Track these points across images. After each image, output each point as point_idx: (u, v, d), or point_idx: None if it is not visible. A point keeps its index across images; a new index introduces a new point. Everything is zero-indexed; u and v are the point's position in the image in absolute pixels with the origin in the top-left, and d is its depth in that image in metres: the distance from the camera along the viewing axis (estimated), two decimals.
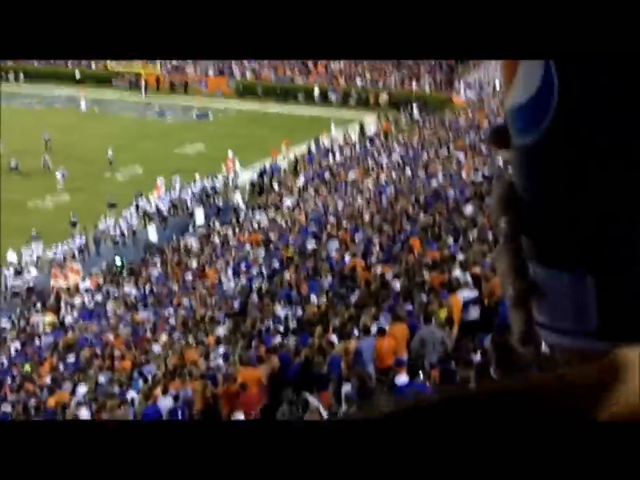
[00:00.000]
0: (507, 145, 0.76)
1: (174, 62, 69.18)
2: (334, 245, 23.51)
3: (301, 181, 38.67)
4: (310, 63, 66.06)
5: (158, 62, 66.11)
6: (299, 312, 18.06)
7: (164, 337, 20.84)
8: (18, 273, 32.63)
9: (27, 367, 21.84)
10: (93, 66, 71.06)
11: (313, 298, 18.51)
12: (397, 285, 16.29)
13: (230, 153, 44.24)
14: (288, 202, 34.21)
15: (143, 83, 66.25)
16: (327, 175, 38.29)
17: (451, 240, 18.77)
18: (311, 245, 24.58)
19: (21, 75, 70.52)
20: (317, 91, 62.40)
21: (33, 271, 33.25)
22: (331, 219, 27.93)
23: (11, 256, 33.42)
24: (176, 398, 14.40)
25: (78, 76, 69.01)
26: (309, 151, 44.91)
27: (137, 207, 38.57)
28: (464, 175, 28.09)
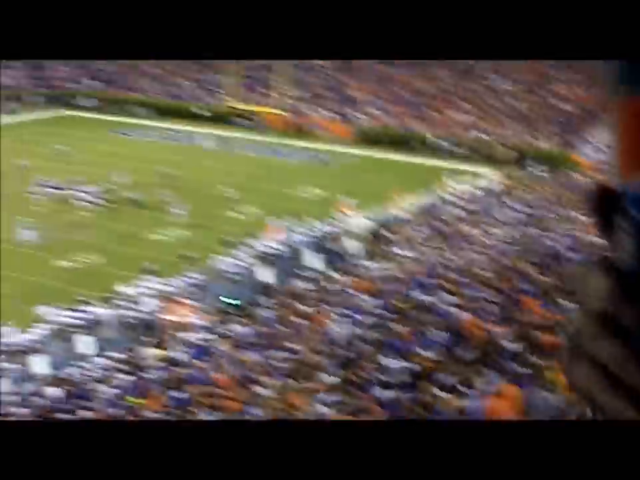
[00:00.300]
0: (608, 216, 0.75)
1: (298, 105, 70.00)
2: (446, 299, 23.24)
3: (416, 231, 38.45)
4: (432, 112, 66.03)
5: (282, 103, 66.89)
6: (407, 365, 17.86)
7: (271, 380, 20.84)
8: (130, 305, 33.14)
9: (135, 400, 22.08)
10: (218, 104, 72.41)
11: (422, 351, 18.30)
12: (510, 345, 15.98)
13: (346, 199, 44.36)
14: (402, 252, 34.03)
15: (266, 123, 67.16)
16: (442, 227, 38.01)
17: (567, 302, 18.37)
18: (422, 297, 24.35)
19: (148, 109, 72.38)
20: (437, 141, 62.29)
21: (146, 304, 33.72)
22: (445, 272, 27.63)
23: (125, 288, 33.99)
24: None
25: (202, 113, 70.40)
26: (426, 201, 44.69)
27: (252, 247, 38.85)
28: (584, 236, 27.55)
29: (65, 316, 31.81)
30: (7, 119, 69.16)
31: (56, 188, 47.84)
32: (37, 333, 30.67)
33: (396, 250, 35.25)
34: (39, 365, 29.27)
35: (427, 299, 24.13)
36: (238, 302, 32.56)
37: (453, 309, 22.07)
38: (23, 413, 23.98)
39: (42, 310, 32.19)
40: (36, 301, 32.76)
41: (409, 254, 33.62)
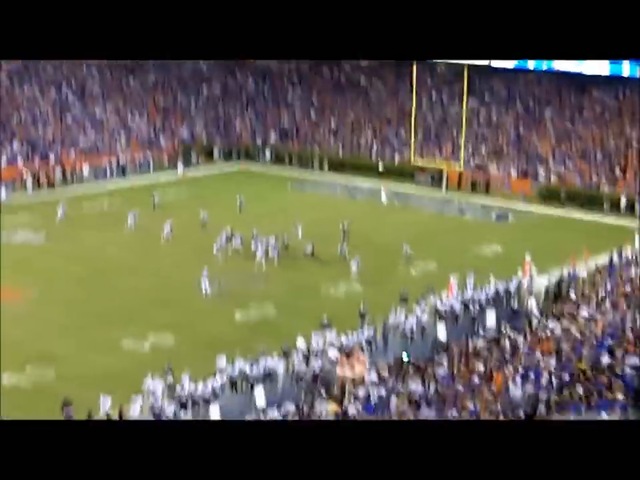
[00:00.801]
0: None
1: (477, 160, 69.42)
2: (631, 362, 22.23)
3: (600, 292, 37.15)
4: (617, 171, 64.17)
5: (461, 159, 66.48)
6: None
7: None
8: (306, 358, 33.19)
9: None
10: (397, 159, 72.61)
11: (604, 415, 17.49)
12: None
13: (527, 257, 43.42)
14: (584, 312, 32.90)
15: (444, 179, 66.85)
16: (627, 288, 36.61)
17: None
18: (605, 359, 23.39)
19: (325, 164, 73.23)
20: (623, 201, 60.41)
21: (321, 358, 33.72)
22: (629, 334, 26.52)
23: (300, 341, 34.09)
24: None
25: (381, 168, 70.69)
26: (611, 262, 43.18)
27: (430, 303, 38.41)
28: None
29: (241, 367, 32.14)
30: (189, 172, 71.37)
31: (235, 239, 48.66)
32: (214, 382, 31.07)
33: (577, 310, 34.10)
34: (215, 413, 29.59)
35: (607, 360, 23.15)
36: (409, 358, 32.13)
37: (633, 372, 21.07)
38: None
39: (220, 360, 32.64)
40: (214, 351, 33.25)
41: (591, 314, 32.44)
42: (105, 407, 29.45)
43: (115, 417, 28.79)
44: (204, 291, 41.61)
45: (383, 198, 62.99)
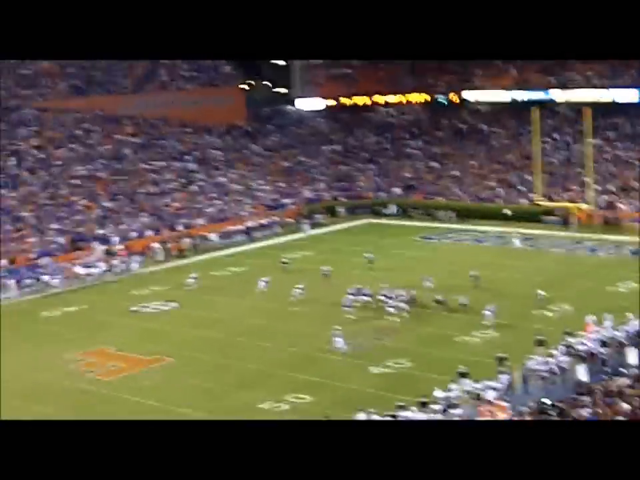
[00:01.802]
0: None
1: (606, 197, 68.08)
2: None
3: None
4: None
5: (589, 198, 65.27)
6: None
7: None
8: (446, 408, 32.81)
9: None
10: (523, 203, 71.80)
11: None
12: None
13: None
14: None
15: (573, 219, 65.69)
16: None
17: None
18: None
19: (452, 213, 72.85)
20: None
21: (460, 407, 33.28)
22: None
23: (438, 392, 33.72)
24: None
25: (508, 213, 69.92)
26: None
27: (568, 345, 37.57)
28: None
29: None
30: (314, 231, 72.02)
31: (365, 295, 48.63)
32: None
33: None
34: None
35: None
36: (552, 402, 31.34)
37: None
38: None
39: (359, 417, 32.48)
40: (352, 407, 33.13)
41: None
42: None
43: None
44: (337, 348, 41.51)
45: (513, 243, 62.20)
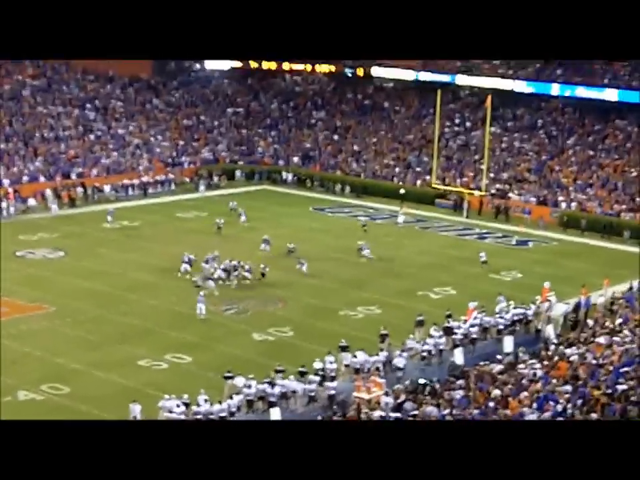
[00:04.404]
0: None
1: (499, 186, 69.38)
2: None
3: (617, 319, 37.02)
4: (638, 199, 63.98)
5: (482, 185, 66.46)
6: None
7: None
8: (323, 379, 33.27)
9: None
10: (418, 184, 72.69)
11: None
12: None
13: (547, 284, 43.32)
14: (602, 340, 32.79)
15: (466, 205, 66.78)
16: None
17: None
18: (621, 386, 23.32)
19: (347, 188, 73.30)
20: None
21: (336, 381, 33.79)
22: None
23: (317, 363, 34.17)
24: None
25: (402, 192, 70.59)
26: (631, 289, 43.01)
27: (446, 327, 38.38)
28: None
29: (259, 387, 32.21)
30: (211, 193, 71.67)
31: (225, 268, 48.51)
32: (231, 403, 31.14)
33: (594, 337, 33.99)
34: None
35: (623, 387, 23.06)
36: (427, 382, 32.04)
37: None
38: None
39: (237, 381, 32.74)
40: (231, 371, 33.38)
41: (607, 341, 32.33)
42: (135, 412, 29.81)
43: None
44: (198, 312, 41.39)
45: (400, 220, 62.92)
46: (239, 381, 32.66)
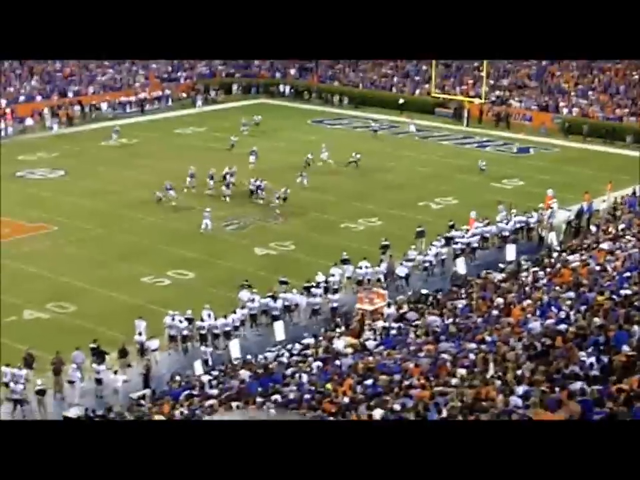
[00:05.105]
0: None
1: (500, 94, 68.77)
2: None
3: (620, 225, 36.93)
4: None
5: (482, 93, 65.85)
6: (605, 360, 17.04)
7: (463, 371, 20.38)
8: (325, 291, 33.36)
9: (328, 386, 22.02)
10: (417, 92, 72.06)
11: (622, 347, 17.40)
12: None
13: (550, 191, 43.16)
14: (604, 246, 32.73)
15: (465, 113, 66.26)
16: None
17: None
18: (625, 291, 23.27)
19: (345, 99, 72.69)
20: None
21: (339, 292, 33.89)
22: None
23: (320, 276, 34.23)
24: None
25: (401, 102, 70.00)
26: (634, 194, 42.82)
27: (448, 238, 38.35)
28: None
29: (262, 301, 32.34)
30: (208, 107, 71.21)
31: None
32: (234, 317, 31.29)
33: (600, 244, 33.92)
34: (235, 348, 29.82)
35: (627, 292, 23.03)
36: (428, 292, 32.13)
37: None
38: (212, 392, 24.45)
39: (241, 295, 32.86)
40: (234, 285, 33.50)
41: (611, 247, 32.27)
42: (140, 328, 29.99)
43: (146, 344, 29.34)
44: (203, 228, 41.36)
45: (412, 129, 62.61)
46: (243, 295, 32.79)
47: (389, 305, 31.11)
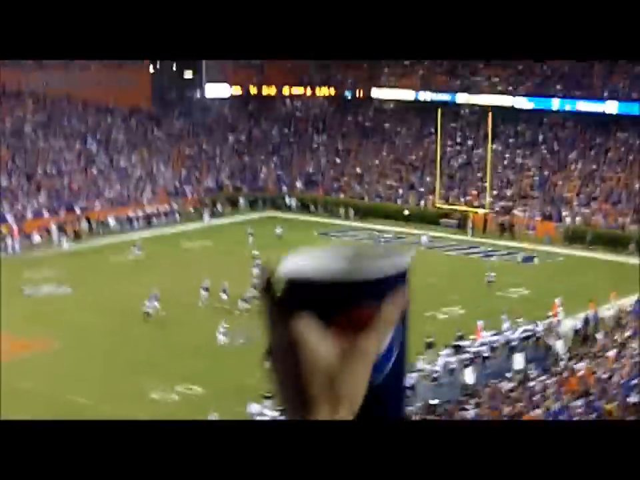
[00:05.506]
0: None
1: (503, 204, 69.44)
2: None
3: (626, 333, 37.00)
4: None
5: (486, 203, 66.52)
6: None
7: None
8: None
9: None
10: (422, 205, 72.80)
11: None
12: None
13: (557, 300, 43.29)
14: (611, 354, 32.78)
15: (470, 223, 66.82)
16: None
17: None
18: (633, 399, 23.34)
19: (351, 211, 73.37)
20: None
21: None
22: None
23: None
24: None
25: (406, 213, 70.66)
26: (638, 303, 42.93)
27: (456, 347, 38.37)
28: None
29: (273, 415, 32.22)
30: (215, 221, 71.94)
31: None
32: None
33: (606, 352, 33.97)
34: None
35: (634, 400, 23.06)
36: (438, 403, 32.06)
37: None
38: None
39: (252, 408, 32.72)
40: (243, 399, 33.39)
41: (616, 355, 32.32)
42: None
43: None
44: (220, 343, 41.49)
45: (424, 240, 62.85)
46: (252, 408, 32.69)
47: None
